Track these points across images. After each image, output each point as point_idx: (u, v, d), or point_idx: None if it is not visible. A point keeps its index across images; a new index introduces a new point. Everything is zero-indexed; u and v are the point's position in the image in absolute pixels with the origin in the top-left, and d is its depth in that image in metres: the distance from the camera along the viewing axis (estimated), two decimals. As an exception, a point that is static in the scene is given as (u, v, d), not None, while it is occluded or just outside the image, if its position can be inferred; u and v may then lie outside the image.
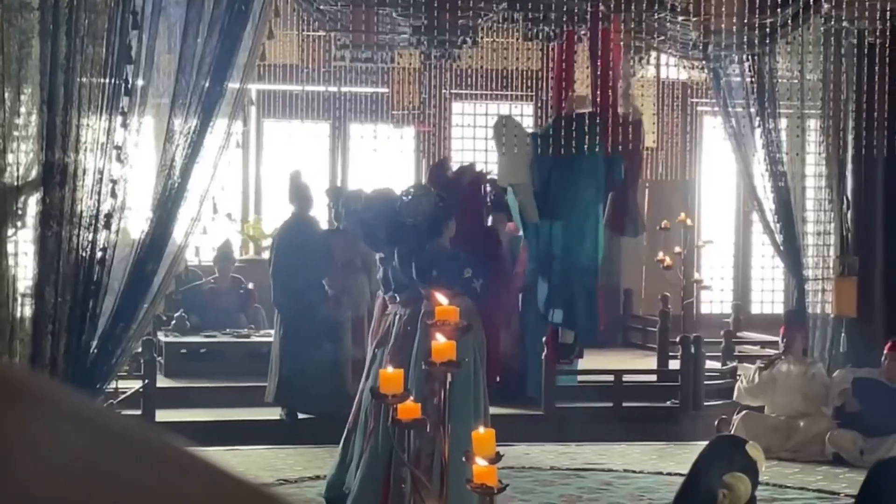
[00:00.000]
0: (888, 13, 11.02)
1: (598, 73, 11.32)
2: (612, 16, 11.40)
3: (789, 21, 11.57)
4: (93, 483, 0.62)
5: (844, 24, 11.10)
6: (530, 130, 13.29)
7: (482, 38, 12.76)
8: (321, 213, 13.55)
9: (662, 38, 12.30)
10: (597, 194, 11.96)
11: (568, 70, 11.79)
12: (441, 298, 5.29)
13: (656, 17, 11.85)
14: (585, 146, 11.26)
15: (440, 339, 5.02)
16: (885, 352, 11.51)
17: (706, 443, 6.22)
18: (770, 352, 14.34)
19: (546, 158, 11.42)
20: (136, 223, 8.73)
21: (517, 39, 13.96)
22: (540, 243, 11.88)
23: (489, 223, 11.84)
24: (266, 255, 16.07)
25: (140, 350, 10.87)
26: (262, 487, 0.71)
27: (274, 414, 11.85)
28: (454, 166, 11.75)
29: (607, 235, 12.76)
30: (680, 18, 11.97)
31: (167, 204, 8.64)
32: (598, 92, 11.40)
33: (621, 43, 11.85)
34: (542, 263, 11.87)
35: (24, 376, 0.70)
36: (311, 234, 12.01)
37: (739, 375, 12.54)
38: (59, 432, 0.64)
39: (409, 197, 8.32)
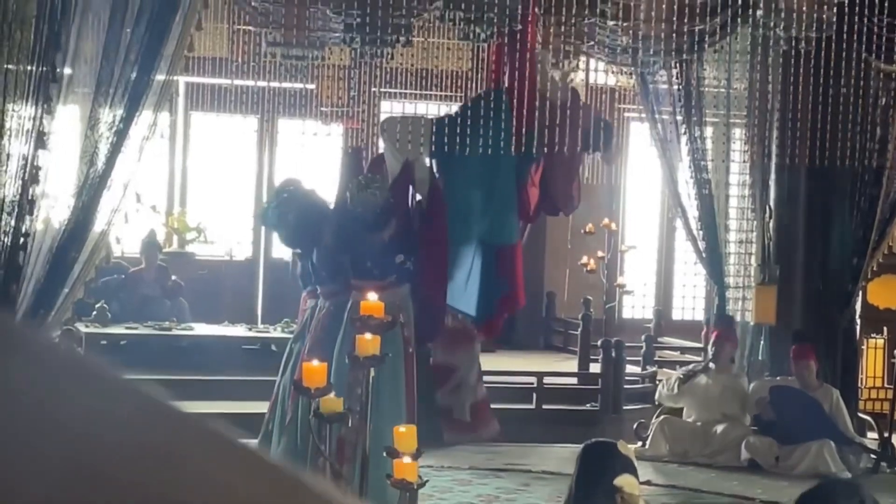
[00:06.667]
0: (822, 23, 11.10)
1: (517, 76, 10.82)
2: (539, 18, 11.27)
3: (718, 29, 11.65)
4: (60, 409, 0.65)
5: (778, 32, 11.16)
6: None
7: (415, 37, 12.71)
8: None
9: (592, 42, 12.33)
10: (504, 189, 11.14)
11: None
12: (371, 296, 5.30)
13: (586, 21, 11.86)
14: (490, 143, 10.53)
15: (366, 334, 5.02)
16: (791, 359, 11.59)
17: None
18: (691, 358, 14.46)
19: (442, 167, 10.53)
20: (60, 210, 8.64)
21: (448, 39, 13.95)
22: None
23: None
24: (189, 248, 16.02)
25: (59, 339, 10.77)
26: (204, 420, 0.73)
27: (193, 407, 11.78)
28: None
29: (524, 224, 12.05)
30: (610, 23, 12.00)
31: (90, 192, 8.56)
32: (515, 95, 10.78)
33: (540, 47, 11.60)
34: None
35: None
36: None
37: (660, 380, 12.62)
38: (30, 366, 0.67)
39: (364, 188, 8.31)
